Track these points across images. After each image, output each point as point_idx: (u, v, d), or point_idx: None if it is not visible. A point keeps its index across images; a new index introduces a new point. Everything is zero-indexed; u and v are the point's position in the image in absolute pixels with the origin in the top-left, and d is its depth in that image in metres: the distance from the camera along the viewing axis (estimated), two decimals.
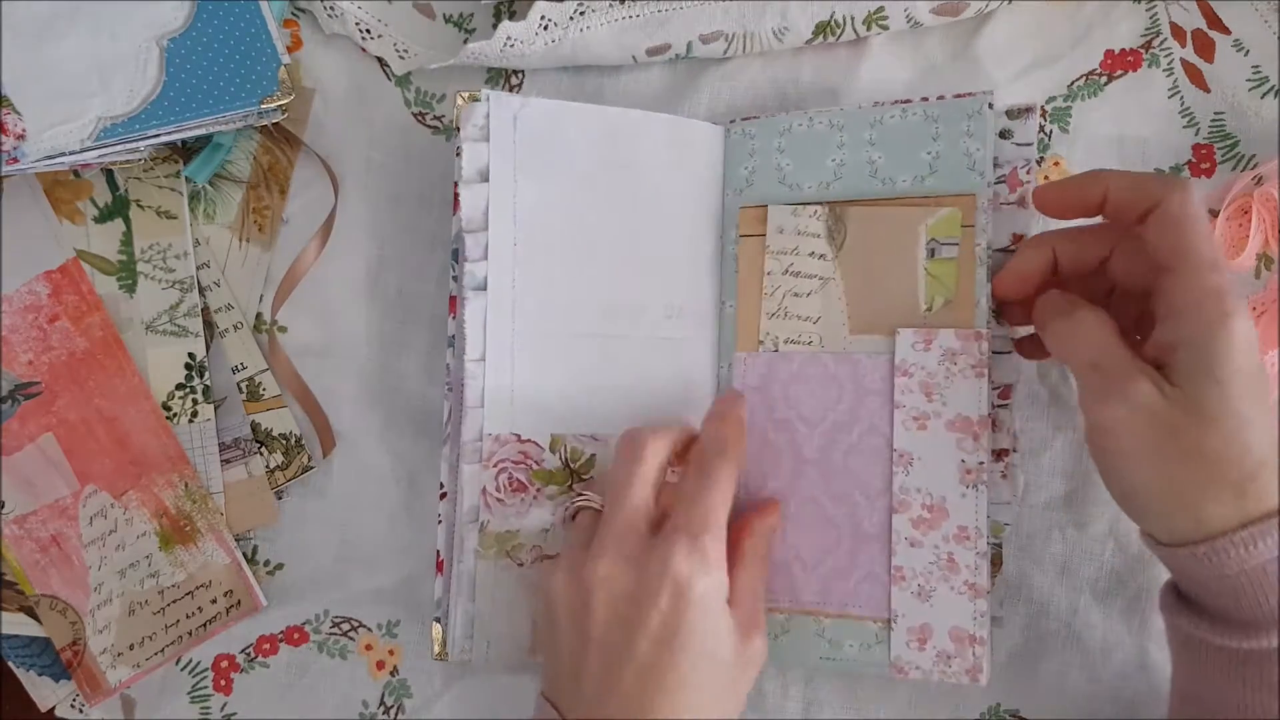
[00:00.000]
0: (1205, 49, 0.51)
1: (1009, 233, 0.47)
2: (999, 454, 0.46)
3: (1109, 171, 0.41)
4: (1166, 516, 0.39)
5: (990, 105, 0.46)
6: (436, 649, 0.46)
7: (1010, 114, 0.47)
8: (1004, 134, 0.47)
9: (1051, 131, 0.51)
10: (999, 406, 0.46)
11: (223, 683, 0.51)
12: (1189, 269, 0.38)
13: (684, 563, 0.40)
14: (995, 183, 0.46)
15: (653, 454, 0.43)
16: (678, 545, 0.40)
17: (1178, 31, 0.51)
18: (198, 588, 0.50)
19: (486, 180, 0.47)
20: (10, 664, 0.50)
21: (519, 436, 0.47)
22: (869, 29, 0.49)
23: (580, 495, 0.46)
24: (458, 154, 0.47)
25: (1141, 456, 0.38)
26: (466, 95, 0.48)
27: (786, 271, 0.48)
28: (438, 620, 0.46)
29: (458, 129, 0.47)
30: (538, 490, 0.47)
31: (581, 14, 0.49)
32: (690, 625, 0.40)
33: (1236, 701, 0.39)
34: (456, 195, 0.47)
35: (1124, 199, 0.40)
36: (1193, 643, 0.41)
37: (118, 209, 0.51)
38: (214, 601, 0.50)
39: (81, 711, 0.50)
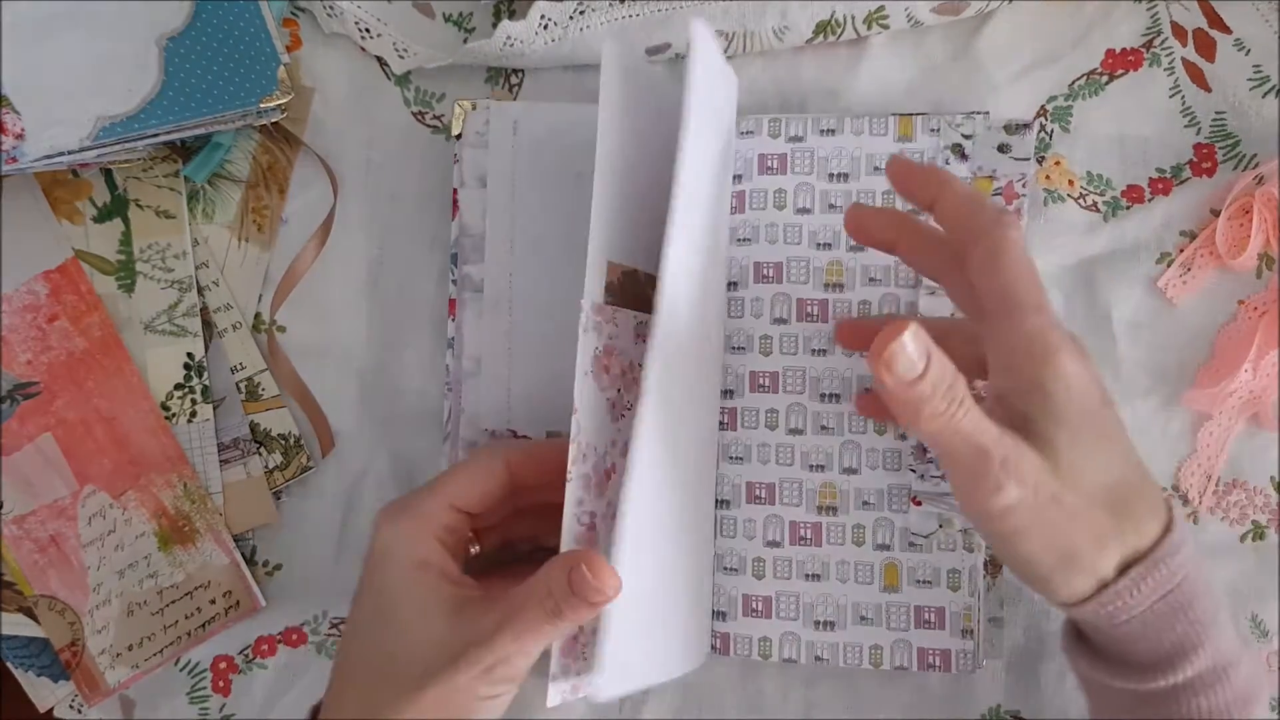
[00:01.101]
0: (1206, 48, 0.50)
1: None
2: None
3: (954, 181, 0.38)
4: (1066, 580, 0.37)
5: (987, 125, 0.47)
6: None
7: (1008, 129, 0.48)
8: (1001, 148, 0.47)
9: (1052, 131, 0.50)
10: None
11: (221, 684, 0.51)
12: (1017, 314, 0.35)
13: (378, 516, 0.40)
14: (992, 195, 0.47)
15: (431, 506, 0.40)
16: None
17: (1179, 31, 0.51)
18: (196, 588, 0.50)
19: (484, 186, 0.47)
20: (9, 664, 0.50)
21: (515, 433, 0.47)
22: (869, 28, 0.49)
23: None
24: (456, 160, 0.47)
25: (1034, 531, 0.36)
26: (467, 104, 0.49)
27: None
28: None
29: (457, 136, 0.48)
30: None
31: (581, 13, 0.49)
32: (366, 583, 0.40)
33: None
34: (456, 199, 0.47)
35: (952, 217, 0.38)
36: (1095, 685, 0.40)
37: (117, 209, 0.51)
38: (213, 602, 0.50)
39: (80, 712, 0.50)
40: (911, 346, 0.32)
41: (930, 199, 0.38)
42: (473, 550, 0.43)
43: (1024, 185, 0.47)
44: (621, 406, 0.42)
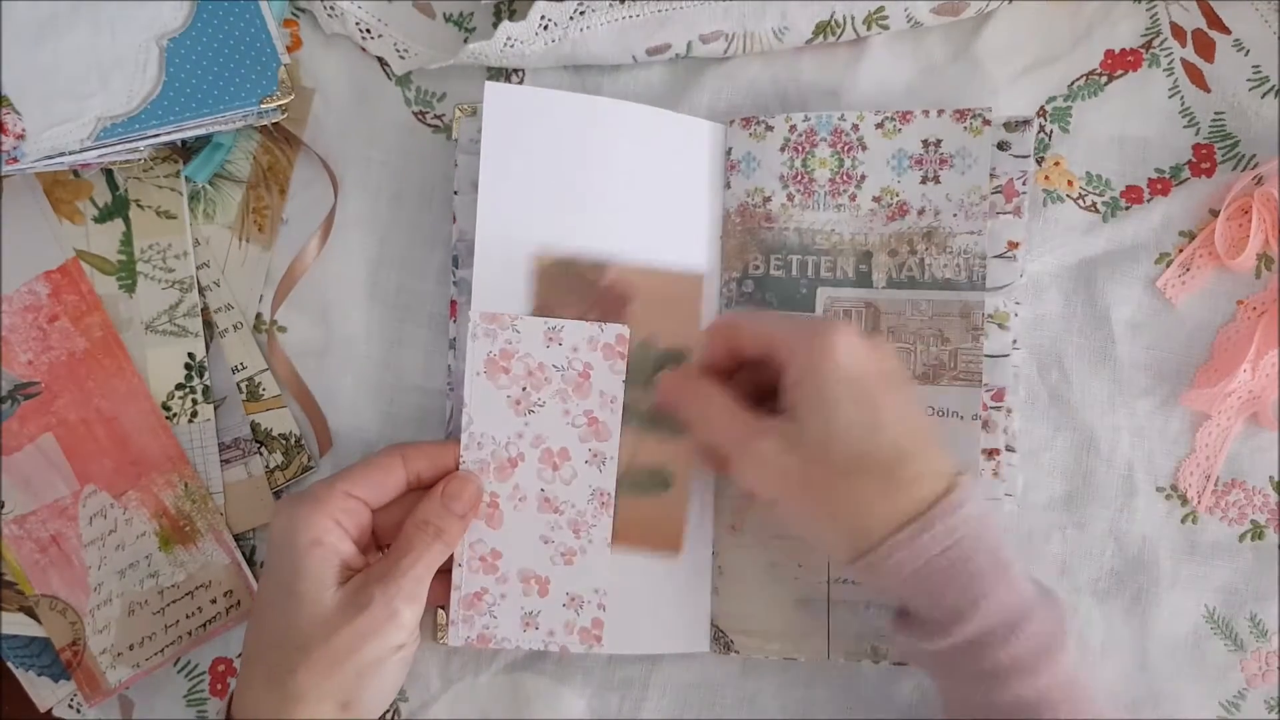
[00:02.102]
0: (1205, 49, 0.51)
1: (1005, 240, 0.47)
2: (990, 453, 0.47)
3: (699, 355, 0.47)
4: (833, 539, 0.41)
5: (988, 121, 0.47)
6: (438, 634, 0.48)
7: (1008, 126, 0.48)
8: (1001, 145, 0.48)
9: (1052, 131, 0.51)
10: (992, 408, 0.47)
11: (219, 686, 0.51)
12: (765, 338, 0.42)
13: (281, 503, 0.43)
14: (992, 193, 0.47)
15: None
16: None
17: (1178, 31, 0.51)
18: (197, 588, 0.50)
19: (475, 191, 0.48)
20: (9, 664, 0.50)
21: None
22: (869, 29, 0.49)
23: None
24: (454, 166, 0.48)
25: (792, 498, 0.41)
26: (465, 108, 0.49)
27: None
28: (441, 608, 0.47)
29: (455, 139, 0.49)
30: None
31: (581, 14, 0.49)
32: (270, 565, 0.43)
33: (973, 699, 0.40)
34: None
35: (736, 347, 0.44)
36: (917, 656, 0.42)
37: (117, 209, 0.51)
38: (214, 602, 0.50)
39: (79, 712, 0.50)
40: (666, 382, 0.46)
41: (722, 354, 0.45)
42: (378, 555, 0.45)
43: (1024, 183, 0.48)
44: (529, 404, 0.46)
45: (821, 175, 0.48)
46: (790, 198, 0.48)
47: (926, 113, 0.48)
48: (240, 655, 0.44)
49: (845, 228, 0.48)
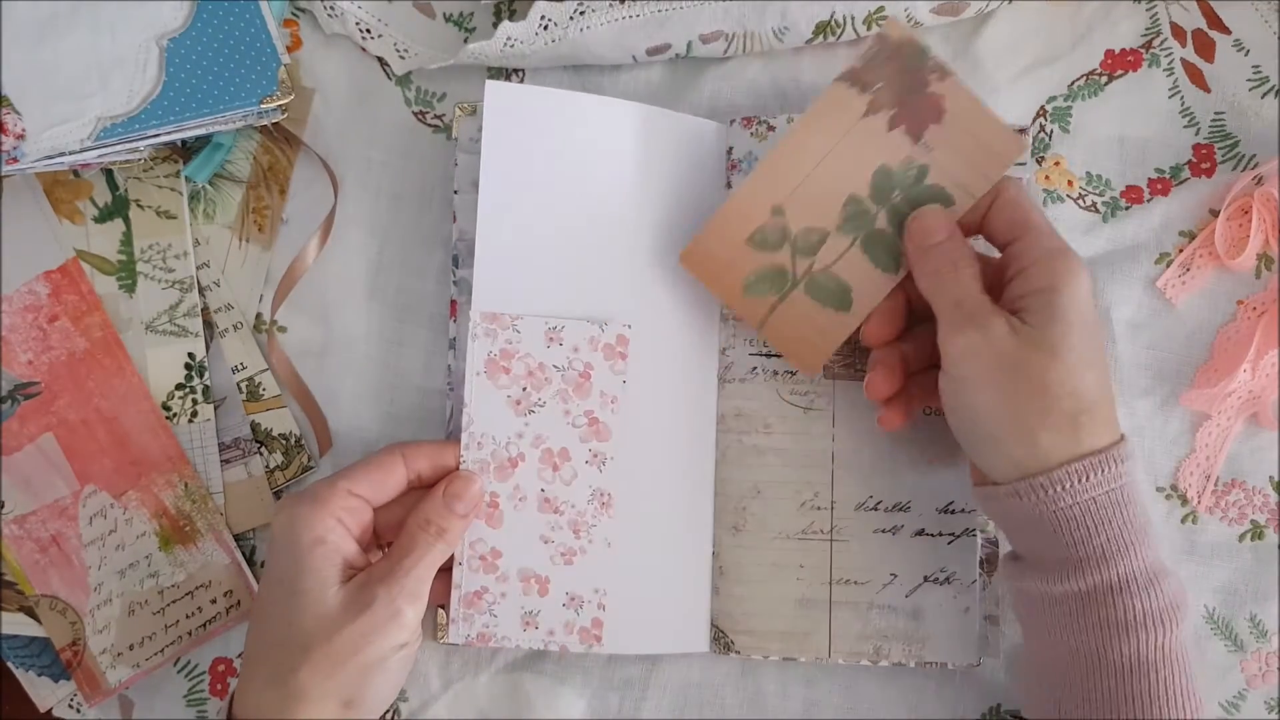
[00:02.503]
0: (1205, 49, 0.51)
1: None
2: None
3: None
4: (1005, 445, 0.41)
5: None
6: (439, 633, 0.47)
7: None
8: None
9: (1052, 131, 0.51)
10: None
11: (219, 686, 0.51)
12: (1034, 234, 0.42)
13: (284, 501, 0.43)
14: None
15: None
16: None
17: (1178, 31, 0.51)
18: (197, 588, 0.50)
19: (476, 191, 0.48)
20: (10, 664, 0.50)
21: None
22: (869, 29, 0.49)
23: None
24: (455, 165, 0.48)
25: (988, 384, 0.40)
26: (465, 107, 0.49)
27: None
28: (442, 606, 0.47)
29: (455, 139, 0.49)
30: None
31: (581, 14, 0.49)
32: (272, 563, 0.43)
33: (1088, 647, 0.40)
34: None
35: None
36: (1031, 599, 0.42)
37: (117, 209, 0.51)
38: (214, 602, 0.50)
39: (79, 712, 0.50)
40: (932, 219, 0.43)
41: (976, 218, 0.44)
42: (379, 554, 0.45)
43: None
44: (529, 403, 0.46)
45: None
46: None
47: None
48: (241, 655, 0.44)
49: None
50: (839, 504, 0.48)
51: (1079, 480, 0.39)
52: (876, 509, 0.48)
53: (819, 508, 0.48)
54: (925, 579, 0.47)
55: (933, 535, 0.47)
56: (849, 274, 0.45)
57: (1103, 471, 0.39)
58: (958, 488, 0.47)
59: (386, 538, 0.45)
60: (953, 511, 0.47)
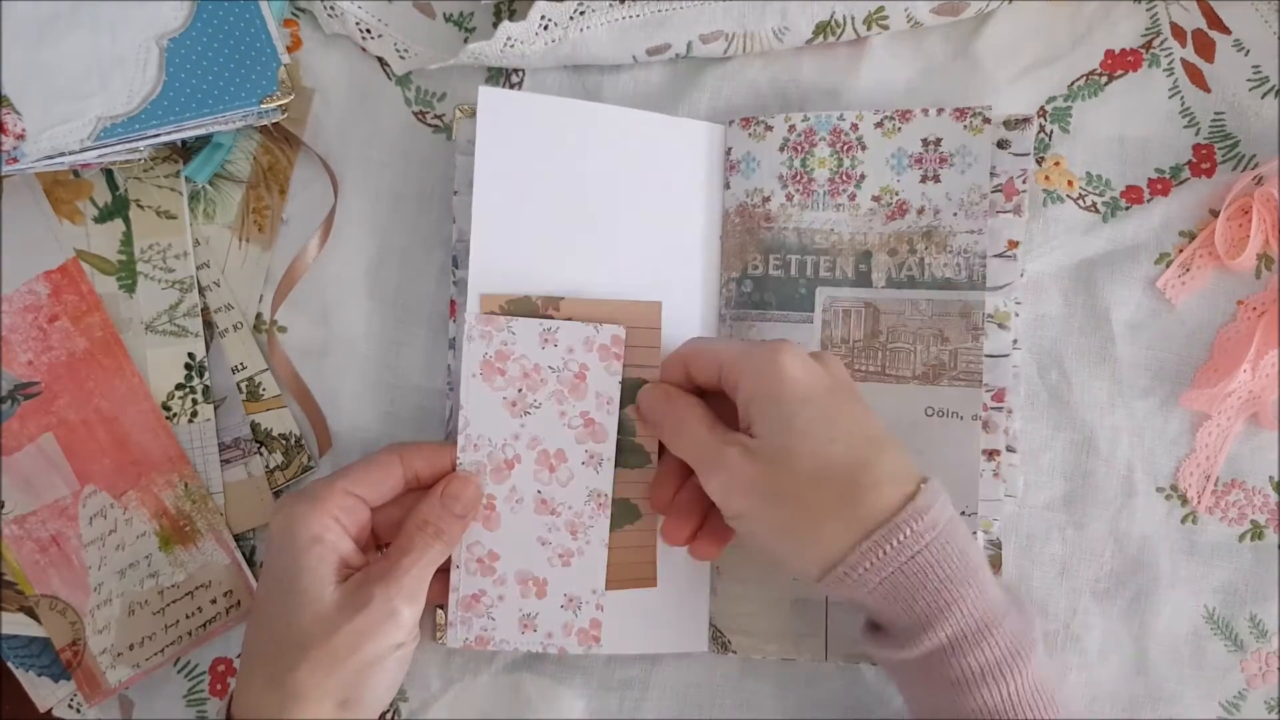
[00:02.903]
0: (1205, 49, 0.51)
1: (1005, 239, 0.47)
2: (990, 454, 0.47)
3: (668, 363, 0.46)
4: (799, 555, 0.40)
5: (988, 119, 0.47)
6: (437, 634, 0.48)
7: (1008, 124, 0.48)
8: (1001, 144, 0.48)
9: (1052, 132, 0.51)
10: (992, 408, 0.47)
11: (219, 686, 0.51)
12: (721, 356, 0.42)
13: (282, 501, 0.43)
14: (992, 191, 0.47)
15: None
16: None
17: (1178, 31, 0.51)
18: (197, 588, 0.50)
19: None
20: (9, 664, 0.50)
21: None
22: (869, 29, 0.49)
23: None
24: (455, 166, 0.48)
25: (755, 512, 0.40)
26: (465, 108, 0.49)
27: None
28: (440, 607, 0.47)
29: (455, 140, 0.49)
30: None
31: (581, 14, 0.49)
32: (268, 565, 0.43)
33: (942, 706, 0.39)
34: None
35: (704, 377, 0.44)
36: (890, 665, 0.42)
37: (117, 209, 0.51)
38: (214, 602, 0.50)
39: (79, 712, 0.50)
40: (645, 398, 0.46)
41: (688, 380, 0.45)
42: (377, 554, 0.45)
43: (1024, 181, 0.47)
44: (525, 405, 0.46)
45: (821, 175, 0.48)
46: (789, 197, 0.48)
47: (926, 111, 0.48)
48: (240, 655, 0.44)
49: (845, 227, 0.48)
50: None
51: (869, 564, 0.38)
52: None
53: None
54: None
55: None
56: (620, 492, 0.47)
57: (896, 538, 0.38)
58: (959, 489, 0.47)
59: (384, 538, 0.45)
60: None
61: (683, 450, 0.44)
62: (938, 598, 0.38)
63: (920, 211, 0.48)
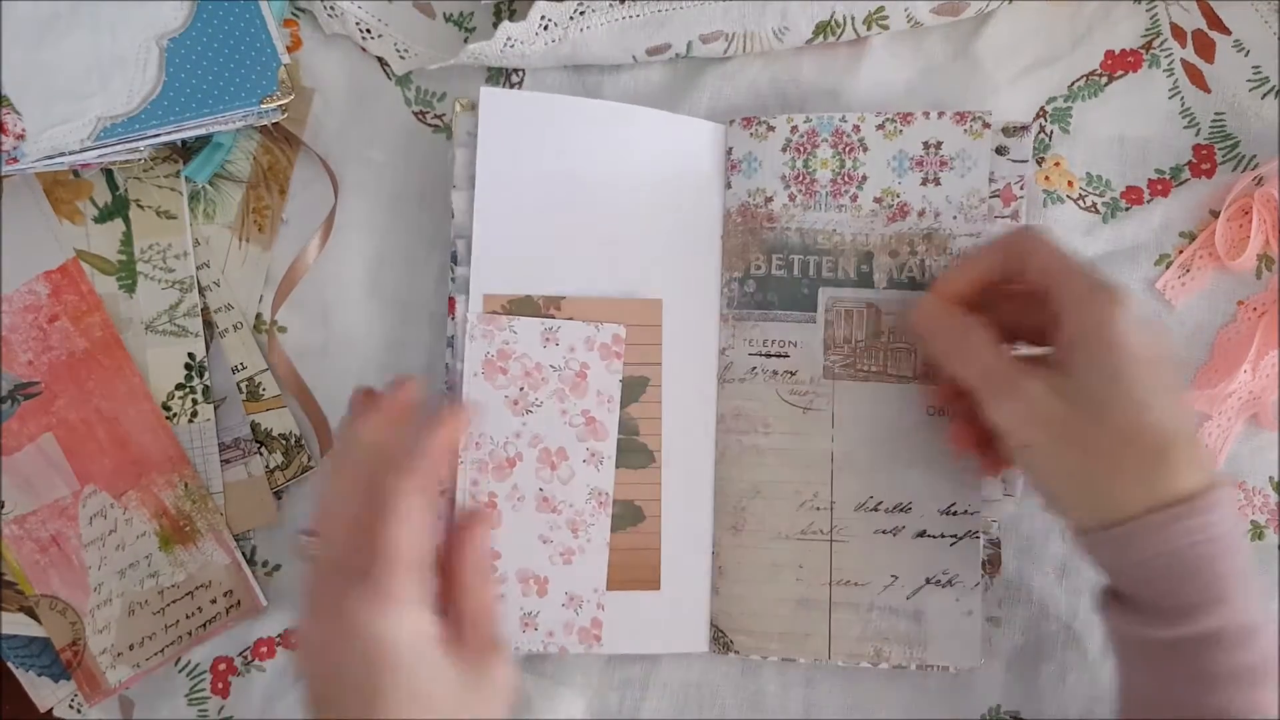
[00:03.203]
0: (1205, 49, 0.51)
1: None
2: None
3: (970, 261, 0.44)
4: (1080, 504, 0.40)
5: (988, 124, 0.47)
6: None
7: (1006, 131, 0.48)
8: (1000, 150, 0.48)
9: (1052, 132, 0.51)
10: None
11: (220, 685, 0.51)
12: (1063, 275, 0.40)
13: (358, 611, 0.36)
14: (990, 197, 0.47)
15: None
16: (350, 595, 0.36)
17: (1178, 32, 0.51)
18: (197, 588, 0.50)
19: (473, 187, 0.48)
20: (10, 664, 0.50)
21: None
22: (869, 29, 0.49)
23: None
24: (452, 161, 0.48)
25: (1046, 449, 0.39)
26: (464, 102, 0.49)
27: None
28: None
29: (450, 137, 0.49)
30: None
31: (581, 14, 0.49)
32: (393, 685, 0.36)
33: (1177, 697, 0.39)
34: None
35: (995, 263, 0.43)
36: (1129, 641, 0.41)
37: (117, 209, 0.51)
38: (214, 602, 0.50)
39: (79, 712, 0.50)
40: (921, 307, 0.44)
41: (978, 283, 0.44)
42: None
43: (1021, 187, 0.48)
44: (526, 403, 0.47)
45: (823, 176, 0.48)
46: (792, 198, 0.48)
47: (927, 114, 0.48)
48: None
49: (846, 228, 0.48)
50: (839, 504, 0.48)
51: (1161, 531, 0.38)
52: (877, 510, 0.47)
53: (818, 508, 0.48)
54: (927, 581, 0.47)
55: (935, 537, 0.47)
56: (623, 493, 0.47)
57: (1189, 521, 0.37)
58: (960, 489, 0.47)
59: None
60: (955, 513, 0.47)
61: (969, 372, 0.41)
62: (1212, 588, 0.38)
63: (921, 214, 0.48)
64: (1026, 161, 0.48)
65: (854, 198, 0.48)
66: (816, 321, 0.48)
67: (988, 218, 0.47)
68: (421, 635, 0.37)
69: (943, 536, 0.47)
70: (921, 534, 0.47)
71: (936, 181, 0.47)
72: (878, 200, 0.48)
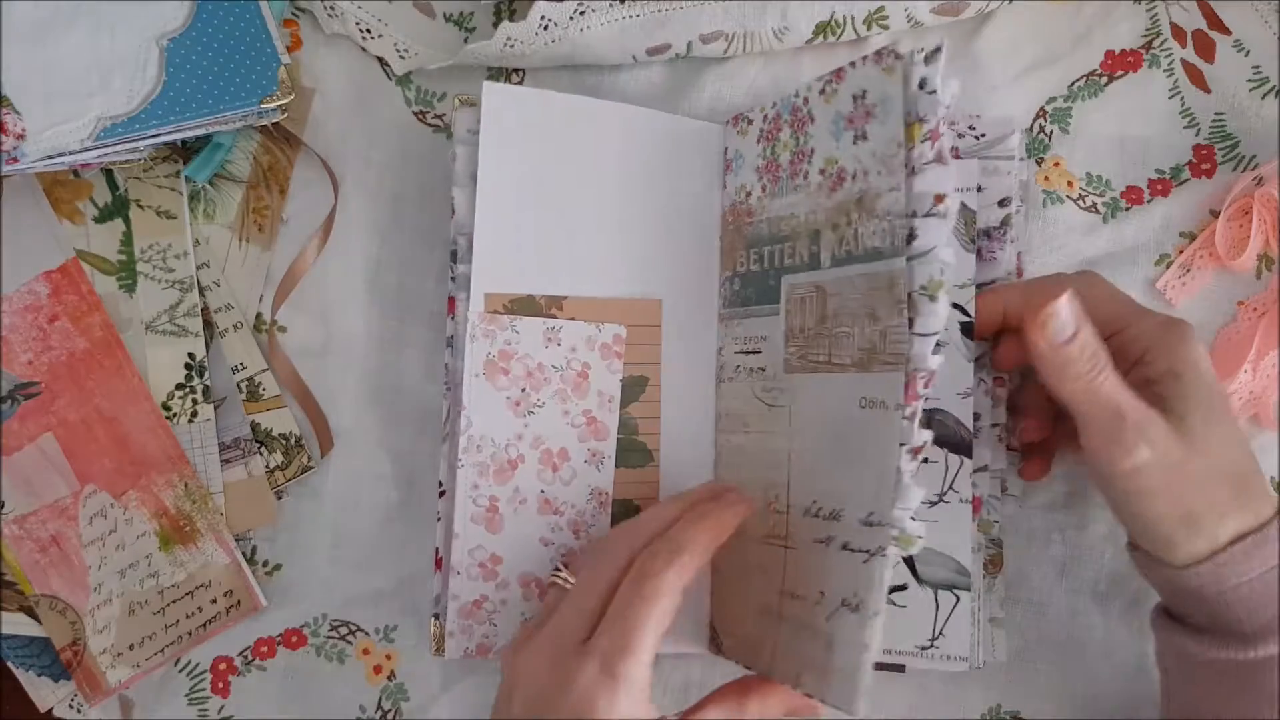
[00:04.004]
0: (1205, 49, 0.51)
1: (931, 195, 0.39)
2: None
3: (1000, 290, 0.46)
4: (1185, 540, 0.40)
5: (899, 56, 0.39)
6: (434, 646, 0.47)
7: (927, 59, 0.39)
8: (922, 85, 0.39)
9: (1052, 132, 0.51)
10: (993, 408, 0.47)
11: (220, 685, 0.51)
12: (1139, 316, 0.42)
13: (590, 688, 0.36)
14: (921, 141, 0.39)
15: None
16: (586, 667, 0.37)
17: (1178, 32, 0.51)
18: (197, 588, 0.50)
19: (474, 184, 0.47)
20: (10, 664, 0.50)
21: None
22: (869, 29, 0.49)
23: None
24: (452, 159, 0.48)
25: (1160, 492, 0.40)
26: (464, 98, 0.49)
27: None
28: (436, 617, 0.47)
29: (450, 136, 0.48)
30: None
31: (581, 14, 0.49)
32: None
33: (1237, 714, 0.40)
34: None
35: (1015, 308, 0.44)
36: (1189, 660, 0.42)
37: (118, 209, 0.51)
38: (214, 602, 0.50)
39: (79, 712, 0.50)
40: (1065, 312, 0.39)
41: (998, 315, 0.45)
42: None
43: (950, 124, 0.45)
44: (529, 404, 0.46)
45: (784, 159, 0.46)
46: (764, 189, 0.47)
47: (854, 64, 0.41)
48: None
49: (801, 209, 0.44)
50: (793, 508, 0.43)
51: (1246, 560, 0.39)
52: (818, 515, 0.42)
53: (779, 511, 0.44)
54: (843, 603, 0.39)
55: (853, 551, 0.39)
56: (621, 494, 0.47)
57: (1268, 548, 0.39)
58: (880, 495, 0.38)
59: None
60: (871, 524, 0.39)
61: (1098, 403, 0.40)
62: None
63: (854, 177, 0.41)
64: (1012, 158, 0.47)
65: (805, 175, 0.44)
66: (779, 313, 0.45)
67: (911, 166, 0.39)
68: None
69: (858, 551, 0.39)
70: (845, 546, 0.40)
71: (865, 136, 0.41)
72: (822, 172, 0.43)
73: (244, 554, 0.51)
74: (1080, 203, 0.50)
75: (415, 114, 0.52)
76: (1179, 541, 0.40)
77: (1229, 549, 0.39)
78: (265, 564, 0.51)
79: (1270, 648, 0.39)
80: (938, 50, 0.38)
